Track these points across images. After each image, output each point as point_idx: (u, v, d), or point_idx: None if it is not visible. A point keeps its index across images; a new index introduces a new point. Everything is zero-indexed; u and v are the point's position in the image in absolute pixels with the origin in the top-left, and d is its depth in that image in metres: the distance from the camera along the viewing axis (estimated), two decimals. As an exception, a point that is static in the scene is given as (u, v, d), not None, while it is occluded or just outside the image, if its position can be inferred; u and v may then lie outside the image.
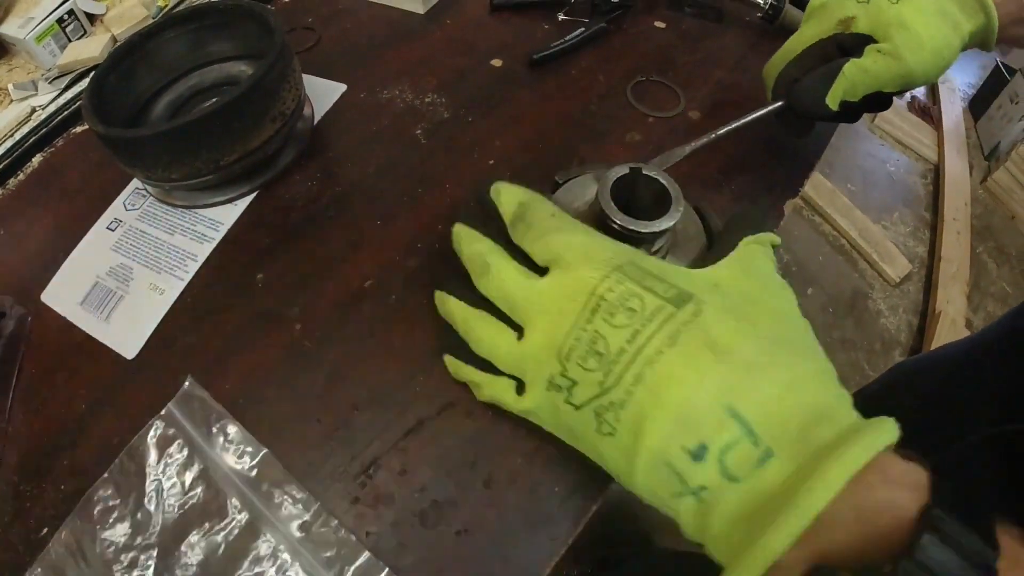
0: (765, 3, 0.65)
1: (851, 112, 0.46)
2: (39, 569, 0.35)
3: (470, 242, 0.33)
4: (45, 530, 0.36)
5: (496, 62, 0.58)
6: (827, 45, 0.45)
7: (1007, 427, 0.50)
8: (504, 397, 0.32)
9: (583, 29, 0.59)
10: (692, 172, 0.50)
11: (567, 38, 0.58)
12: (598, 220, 0.34)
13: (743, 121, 0.46)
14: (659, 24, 0.65)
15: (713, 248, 0.33)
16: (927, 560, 0.19)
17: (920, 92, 2.38)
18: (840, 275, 1.72)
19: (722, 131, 0.45)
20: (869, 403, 0.24)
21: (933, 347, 1.53)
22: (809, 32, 0.46)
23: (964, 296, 1.68)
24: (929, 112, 2.26)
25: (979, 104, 2.27)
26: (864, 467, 0.20)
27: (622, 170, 0.34)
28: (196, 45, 0.53)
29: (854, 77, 0.42)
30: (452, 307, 0.34)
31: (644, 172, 0.34)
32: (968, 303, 1.69)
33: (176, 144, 0.43)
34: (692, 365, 0.24)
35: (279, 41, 0.45)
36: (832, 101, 0.43)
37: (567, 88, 0.56)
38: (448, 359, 0.36)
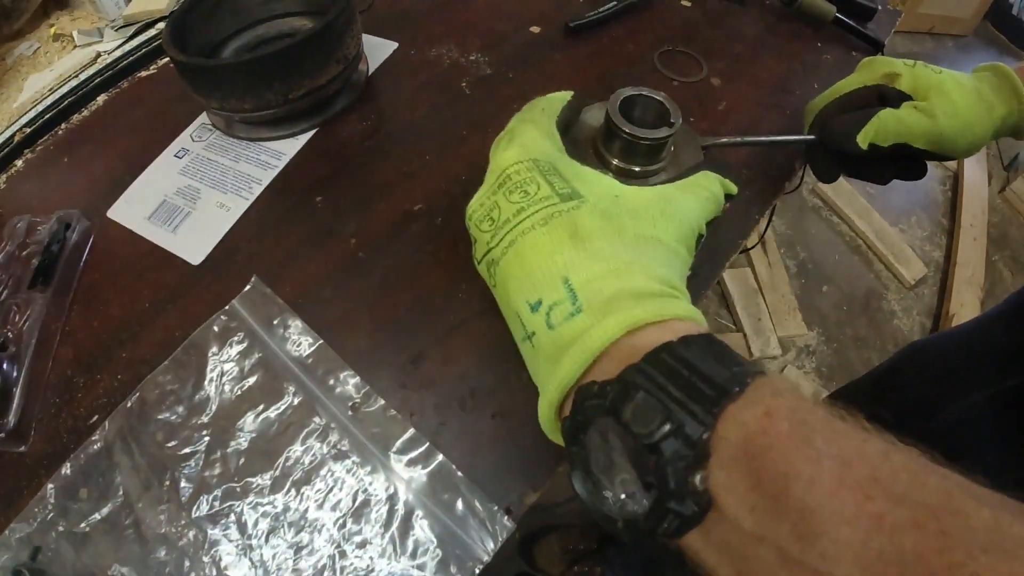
0: (786, -12, 0.69)
1: (881, 166, 0.47)
2: (82, 455, 0.38)
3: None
4: (95, 417, 0.39)
5: (535, 28, 0.63)
6: (870, 93, 0.47)
7: (1008, 382, 0.53)
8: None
9: (615, 2, 0.64)
10: (714, 129, 0.54)
11: (600, 9, 0.63)
12: (608, 131, 0.39)
13: (774, 139, 0.48)
14: (685, 3, 0.69)
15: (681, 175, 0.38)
16: (662, 362, 0.23)
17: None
18: (856, 275, 1.74)
19: (750, 139, 0.47)
20: (881, 380, 0.30)
21: (946, 350, 1.55)
22: (856, 79, 0.49)
23: (978, 300, 1.69)
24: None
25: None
26: (648, 323, 0.26)
27: (630, 91, 0.39)
28: None
29: (887, 121, 0.44)
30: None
31: (647, 94, 0.39)
32: (982, 309, 1.70)
33: (252, 75, 0.48)
34: (551, 242, 0.29)
35: (345, -6, 0.50)
36: (863, 139, 0.44)
37: (599, 54, 0.61)
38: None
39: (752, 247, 1.52)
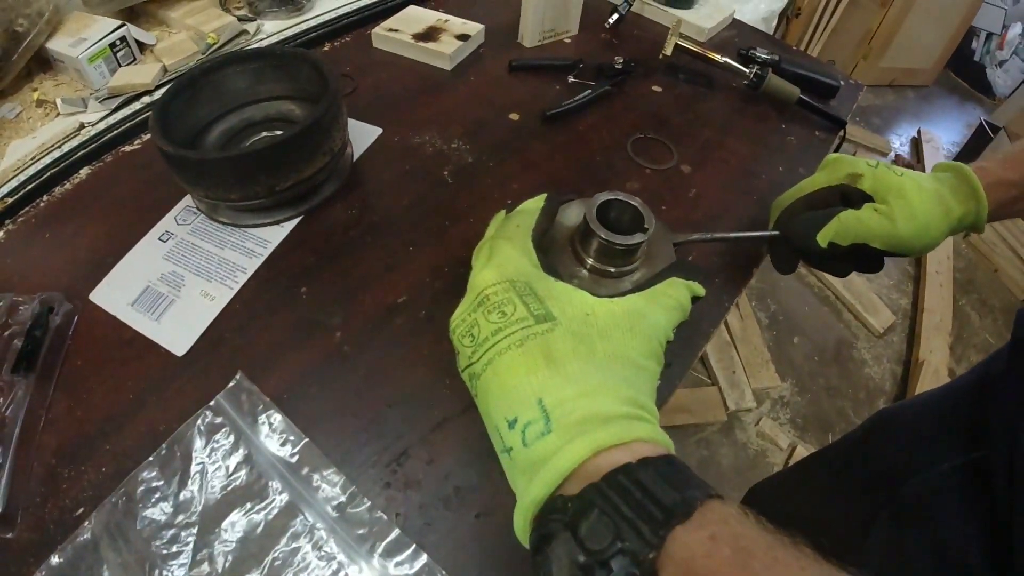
0: (750, 72, 0.74)
1: (840, 262, 0.50)
2: (70, 547, 0.38)
3: (491, 226, 0.43)
4: (81, 510, 0.39)
5: (514, 116, 0.66)
6: (833, 193, 0.50)
7: (973, 455, 0.55)
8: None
9: (590, 91, 0.67)
10: (687, 217, 0.57)
11: (576, 98, 0.66)
12: (585, 234, 0.41)
13: (740, 235, 0.51)
14: (656, 88, 0.74)
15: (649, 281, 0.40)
16: (618, 483, 0.26)
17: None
18: (825, 325, 1.79)
19: (719, 236, 0.50)
20: (851, 447, 0.32)
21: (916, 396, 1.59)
22: (821, 178, 0.51)
23: (947, 346, 1.73)
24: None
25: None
26: (612, 446, 0.28)
27: (607, 195, 0.42)
28: (254, 82, 0.59)
29: (847, 222, 0.46)
30: (491, 227, 0.44)
31: (622, 199, 0.42)
32: (951, 353, 1.74)
33: (240, 169, 0.49)
34: (526, 363, 0.32)
35: (334, 87, 0.52)
36: (822, 239, 0.47)
37: (575, 141, 0.64)
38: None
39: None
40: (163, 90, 0.62)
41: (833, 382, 1.66)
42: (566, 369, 0.31)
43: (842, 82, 0.82)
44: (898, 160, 2.38)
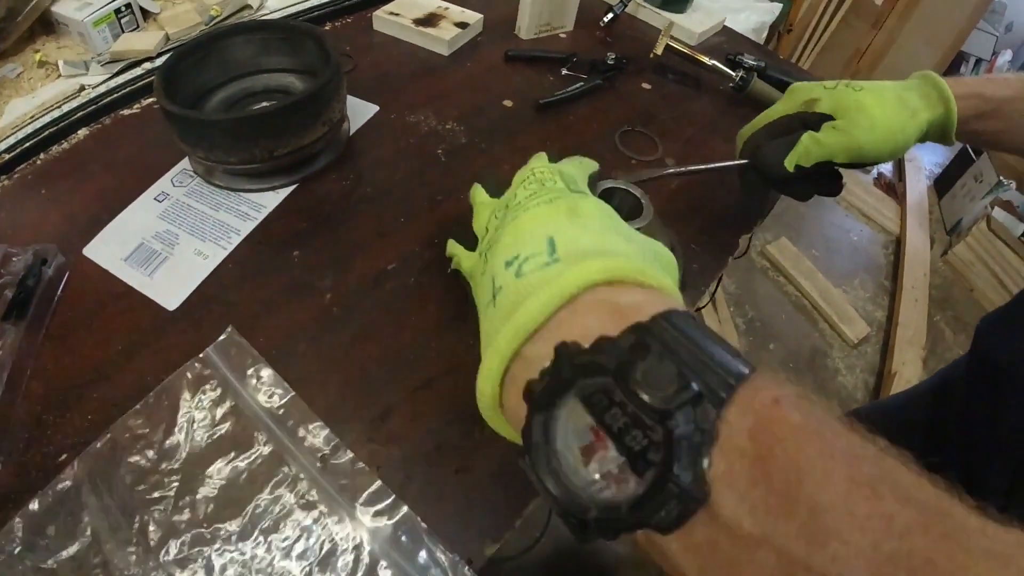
0: (736, 75, 0.76)
1: (804, 185, 0.52)
2: (51, 492, 0.38)
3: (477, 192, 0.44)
4: (64, 456, 0.39)
5: (507, 103, 0.68)
6: (793, 120, 0.52)
7: (929, 459, 0.58)
8: (462, 263, 0.40)
9: (582, 83, 0.70)
10: (667, 208, 0.59)
11: (568, 89, 0.69)
12: None
13: (710, 166, 0.54)
14: (645, 85, 0.76)
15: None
16: (663, 330, 0.21)
17: (887, 169, 2.56)
18: (801, 333, 1.83)
19: (692, 168, 0.53)
20: None
21: (885, 405, 1.64)
22: (780, 108, 0.54)
23: (920, 359, 1.77)
24: (894, 188, 2.43)
25: (944, 182, 2.43)
26: (627, 280, 0.24)
27: (610, 183, 0.44)
28: (258, 53, 0.61)
29: (808, 145, 0.49)
30: (477, 193, 0.44)
31: (623, 187, 0.44)
32: (924, 367, 1.79)
33: (241, 132, 0.51)
34: (549, 214, 0.30)
35: (335, 60, 0.54)
36: (789, 163, 0.49)
37: (566, 130, 0.66)
38: (450, 240, 0.44)
39: (703, 307, 1.58)
40: (169, 53, 0.64)
41: (807, 389, 1.69)
42: (588, 223, 0.29)
43: (825, 92, 0.85)
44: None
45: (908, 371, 1.73)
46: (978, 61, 3.20)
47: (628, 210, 0.44)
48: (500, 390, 0.25)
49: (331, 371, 0.45)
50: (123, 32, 0.73)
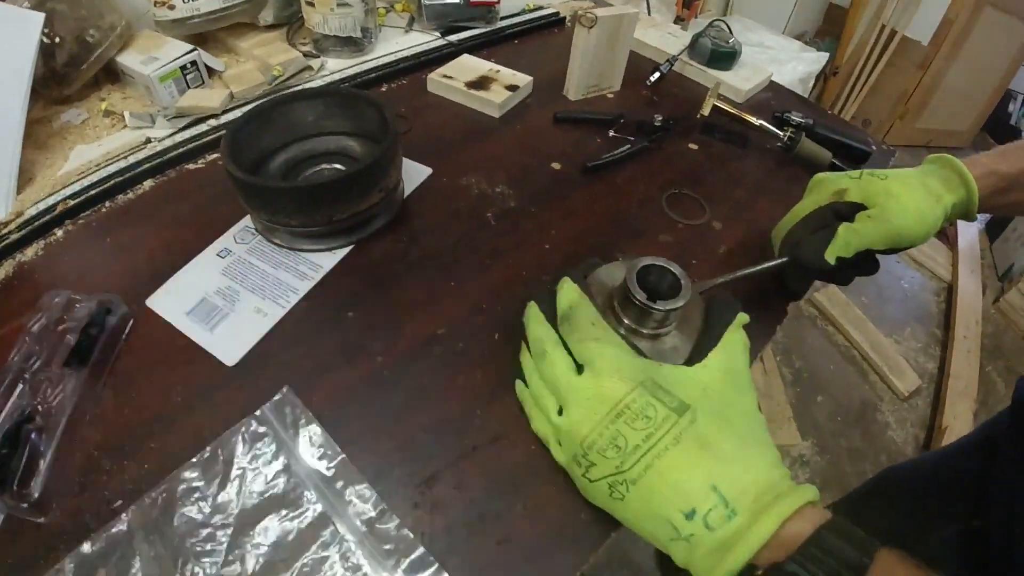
0: (784, 134, 0.77)
1: (845, 271, 0.53)
2: (104, 536, 0.39)
3: (536, 324, 0.45)
4: (119, 502, 0.40)
5: (556, 165, 0.70)
6: (825, 212, 0.54)
7: (974, 522, 0.56)
8: (547, 442, 0.43)
9: (629, 145, 0.71)
10: (713, 273, 0.60)
11: (616, 151, 0.70)
12: (625, 297, 0.44)
13: (756, 269, 0.54)
14: (692, 146, 0.77)
15: (705, 336, 0.43)
16: (811, 553, 0.30)
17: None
18: (850, 385, 1.77)
19: (739, 274, 0.53)
20: (855, 504, 0.38)
21: (938, 464, 1.56)
22: (809, 201, 0.55)
23: (971, 413, 1.71)
24: (945, 233, 2.35)
25: (996, 226, 2.35)
26: (791, 514, 0.32)
27: (648, 260, 0.45)
28: (319, 117, 0.64)
29: (847, 237, 0.50)
30: (535, 321, 0.45)
31: (662, 264, 0.45)
32: (975, 420, 1.71)
33: (304, 199, 0.53)
34: (688, 458, 0.35)
35: (393, 130, 0.57)
36: (830, 256, 0.51)
37: (613, 193, 0.67)
38: (518, 383, 0.46)
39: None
40: (236, 117, 0.67)
41: (855, 443, 1.63)
42: (722, 451, 0.35)
43: (874, 147, 0.84)
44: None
45: (959, 425, 1.66)
46: (1027, 98, 3.10)
47: (667, 286, 0.45)
48: None
49: (380, 435, 0.46)
50: (188, 88, 0.76)
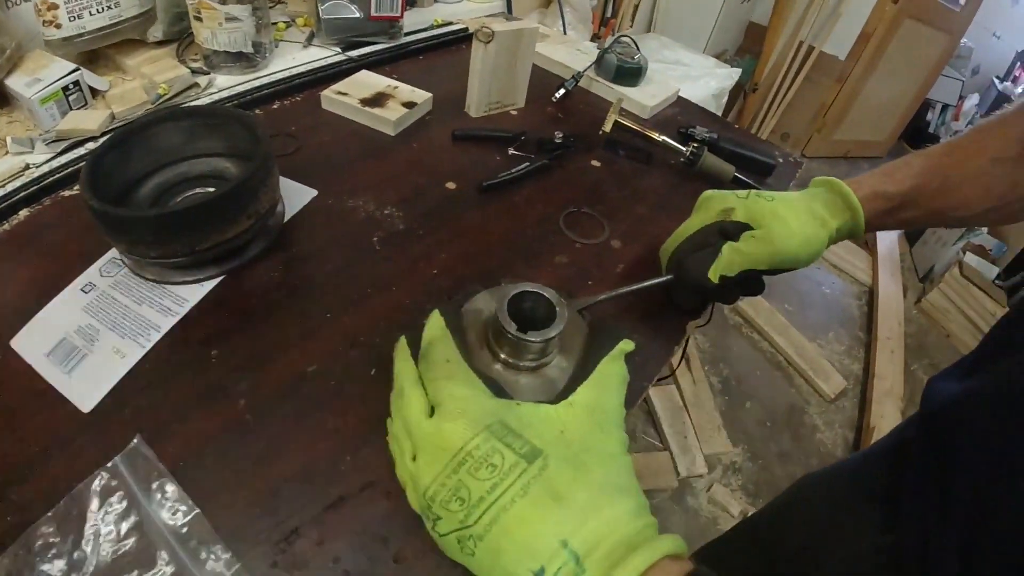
0: (687, 150, 0.77)
1: (729, 290, 0.52)
2: None
3: (400, 361, 0.41)
4: None
5: (450, 184, 0.67)
6: (711, 231, 0.53)
7: (887, 536, 0.54)
8: (405, 487, 0.38)
9: (528, 164, 0.69)
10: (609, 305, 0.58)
11: (514, 170, 0.68)
12: (498, 329, 0.41)
13: (639, 286, 0.53)
14: (595, 163, 0.76)
15: (581, 368, 0.40)
16: None
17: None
18: (777, 390, 1.81)
19: (621, 291, 0.52)
20: (775, 514, 0.35)
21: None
22: (697, 220, 0.55)
23: (899, 411, 1.77)
24: (864, 239, 2.46)
25: (915, 231, 2.47)
26: (646, 569, 0.29)
27: (516, 288, 0.42)
28: (189, 139, 0.59)
29: (731, 256, 0.50)
30: (401, 357, 0.41)
31: (532, 290, 0.42)
32: (903, 418, 1.78)
33: (161, 227, 0.49)
34: (537, 511, 0.31)
35: (263, 151, 0.53)
36: (713, 275, 0.50)
37: (509, 213, 0.65)
38: (388, 422, 0.41)
39: (676, 368, 1.57)
40: (99, 142, 0.62)
41: (785, 448, 1.67)
42: (575, 501, 0.32)
43: (780, 160, 0.86)
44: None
45: (887, 424, 1.72)
46: (944, 107, 3.27)
47: (544, 312, 0.42)
48: None
49: (238, 487, 0.42)
50: (71, 109, 0.72)
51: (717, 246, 0.51)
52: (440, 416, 0.35)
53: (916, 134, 3.23)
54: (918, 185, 0.51)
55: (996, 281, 2.11)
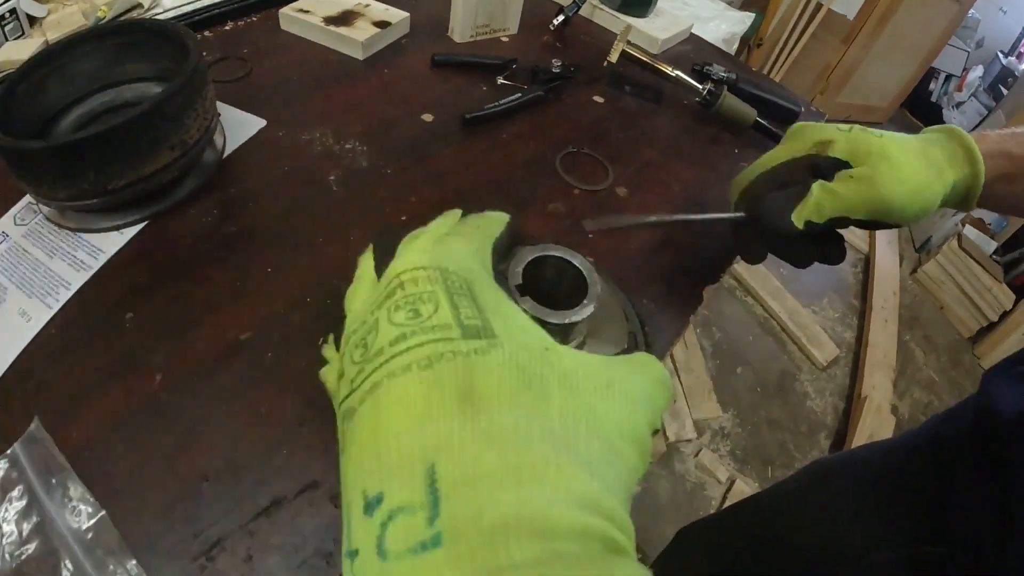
0: (704, 89, 0.67)
1: (807, 246, 0.43)
2: None
3: (367, 259, 0.28)
4: None
5: (427, 116, 0.57)
6: (800, 166, 0.44)
7: (925, 548, 0.48)
8: (327, 379, 0.27)
9: (520, 95, 0.59)
10: (615, 247, 0.49)
11: (503, 101, 0.58)
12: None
13: (701, 217, 0.44)
14: (598, 99, 0.66)
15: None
16: None
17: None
18: (769, 356, 1.76)
19: (678, 217, 0.43)
20: (785, 503, 0.21)
21: (858, 431, 1.57)
22: (783, 151, 0.45)
23: (890, 382, 1.74)
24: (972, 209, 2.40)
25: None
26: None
27: (537, 251, 0.31)
28: (113, 62, 0.51)
29: (821, 197, 0.41)
30: (368, 259, 0.28)
31: (557, 255, 0.31)
32: (894, 389, 1.75)
33: (63, 161, 0.40)
34: (428, 399, 0.19)
35: (191, 66, 0.43)
36: (798, 218, 0.41)
37: (496, 151, 0.55)
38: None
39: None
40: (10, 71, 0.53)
41: (775, 414, 1.63)
42: (492, 420, 0.19)
43: (803, 108, 0.76)
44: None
45: (878, 395, 1.69)
46: (948, 77, 3.22)
47: (568, 287, 0.31)
48: None
49: (151, 485, 0.33)
50: (7, 40, 0.65)
51: (806, 183, 0.42)
52: (409, 248, 0.25)
53: (918, 103, 3.15)
54: None
55: (993, 256, 2.07)
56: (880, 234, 2.23)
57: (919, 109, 3.15)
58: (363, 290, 0.27)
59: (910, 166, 0.40)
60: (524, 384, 0.20)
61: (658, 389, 0.23)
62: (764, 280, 1.89)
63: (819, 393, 1.73)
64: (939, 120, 3.03)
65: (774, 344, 1.80)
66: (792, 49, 2.57)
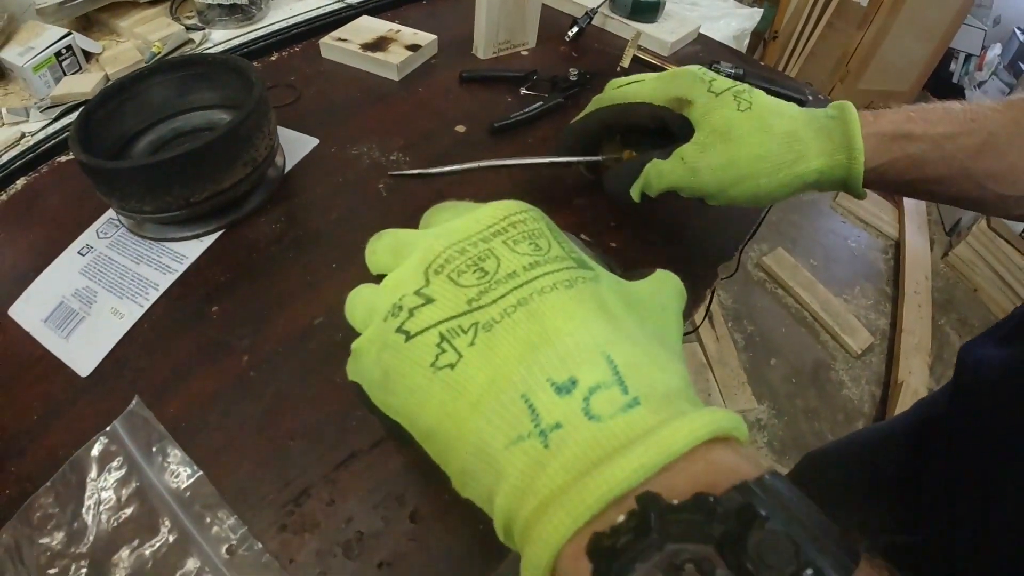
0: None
1: (652, 201, 0.46)
2: None
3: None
4: None
5: (460, 128, 0.63)
6: (653, 114, 0.44)
7: (899, 538, 0.48)
8: (353, 320, 0.30)
9: (541, 103, 0.65)
10: (636, 234, 0.54)
11: (526, 109, 0.64)
12: None
13: (547, 160, 0.50)
14: (613, 101, 0.71)
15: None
16: (771, 485, 0.17)
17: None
18: (803, 346, 1.76)
19: (523, 161, 0.49)
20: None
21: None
22: (647, 88, 0.44)
23: (926, 367, 1.72)
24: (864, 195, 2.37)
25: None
26: (722, 435, 0.19)
27: None
28: (182, 91, 0.57)
29: (650, 178, 0.43)
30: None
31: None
32: (931, 374, 1.73)
33: (151, 179, 0.46)
34: (583, 308, 0.22)
35: (257, 94, 0.49)
36: (635, 193, 0.45)
37: (522, 154, 0.60)
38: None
39: (699, 325, 1.53)
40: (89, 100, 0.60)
41: (811, 404, 1.63)
42: (626, 327, 0.23)
43: (809, 96, 0.80)
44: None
45: (915, 380, 1.67)
46: (968, 56, 3.16)
47: None
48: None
49: (243, 447, 0.39)
50: (65, 75, 0.71)
51: (643, 160, 0.43)
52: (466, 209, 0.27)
53: (940, 84, 3.10)
54: (953, 134, 0.38)
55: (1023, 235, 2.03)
56: (909, 219, 2.21)
57: (941, 91, 3.10)
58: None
59: (750, 151, 0.38)
60: (627, 306, 0.24)
61: (680, 299, 0.28)
62: (794, 272, 1.90)
63: (855, 381, 1.72)
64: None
65: (807, 334, 1.80)
66: (808, 40, 2.57)
